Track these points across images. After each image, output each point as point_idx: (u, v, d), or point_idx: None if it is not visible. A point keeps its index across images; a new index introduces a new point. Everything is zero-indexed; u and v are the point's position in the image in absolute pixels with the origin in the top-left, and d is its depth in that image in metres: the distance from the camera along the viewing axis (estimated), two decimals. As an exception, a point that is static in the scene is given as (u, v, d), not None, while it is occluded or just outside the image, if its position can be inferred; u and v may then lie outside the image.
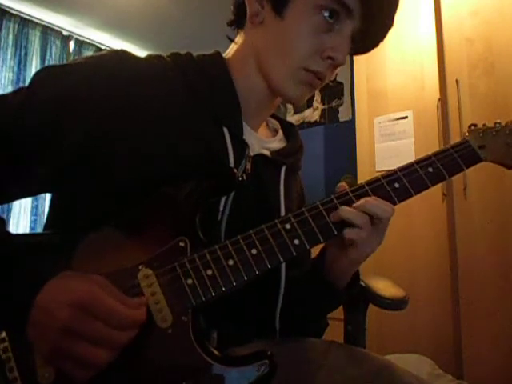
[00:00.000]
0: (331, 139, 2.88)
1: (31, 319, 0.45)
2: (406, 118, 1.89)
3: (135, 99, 0.59)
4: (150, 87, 0.61)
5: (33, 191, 0.63)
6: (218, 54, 0.70)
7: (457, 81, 1.74)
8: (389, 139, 1.94)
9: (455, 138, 1.72)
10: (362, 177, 2.02)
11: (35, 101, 0.56)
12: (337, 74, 2.73)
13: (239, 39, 0.71)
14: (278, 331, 0.70)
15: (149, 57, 0.65)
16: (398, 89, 1.90)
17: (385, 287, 0.82)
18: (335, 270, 0.66)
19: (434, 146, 1.76)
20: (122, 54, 0.62)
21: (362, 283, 0.84)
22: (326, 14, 0.62)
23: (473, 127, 0.69)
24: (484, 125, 0.69)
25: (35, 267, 0.48)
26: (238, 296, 0.54)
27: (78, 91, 0.57)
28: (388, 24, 0.67)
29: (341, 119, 2.87)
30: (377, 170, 1.95)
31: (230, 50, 0.72)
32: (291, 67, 0.64)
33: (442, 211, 1.73)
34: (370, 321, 0.90)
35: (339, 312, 0.88)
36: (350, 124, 2.43)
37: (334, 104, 2.86)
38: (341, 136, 2.77)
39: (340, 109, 2.87)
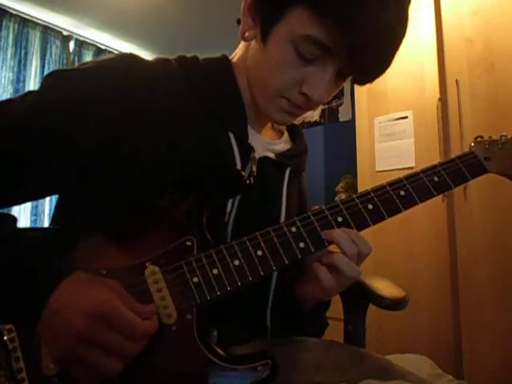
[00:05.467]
0: (331, 139, 2.88)
1: (44, 319, 0.45)
2: (406, 118, 1.89)
3: (142, 102, 0.59)
4: (156, 91, 0.61)
5: (42, 193, 0.63)
6: (224, 58, 0.70)
7: (457, 81, 1.73)
8: (389, 139, 1.94)
9: (455, 138, 1.72)
10: (362, 177, 2.02)
11: (44, 105, 0.56)
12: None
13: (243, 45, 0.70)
14: (270, 330, 0.71)
15: (156, 60, 0.65)
16: (398, 89, 1.90)
17: (385, 287, 0.82)
18: (303, 296, 0.67)
19: (434, 146, 1.76)
20: (130, 58, 0.62)
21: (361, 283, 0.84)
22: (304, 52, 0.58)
23: (479, 139, 0.70)
24: (490, 137, 0.70)
25: (47, 264, 0.49)
26: (233, 295, 0.55)
27: (88, 96, 0.57)
28: (384, 63, 0.61)
29: (341, 119, 2.87)
30: (377, 170, 1.95)
31: (237, 52, 0.71)
32: (269, 95, 0.63)
33: (442, 211, 1.73)
34: (370, 321, 0.90)
35: (339, 312, 0.88)
36: (350, 124, 2.43)
37: (333, 104, 2.86)
38: (341, 136, 2.77)
39: (340, 109, 2.87)
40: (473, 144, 0.69)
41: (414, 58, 1.87)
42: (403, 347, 1.64)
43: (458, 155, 0.67)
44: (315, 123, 2.96)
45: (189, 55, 0.68)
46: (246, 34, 0.64)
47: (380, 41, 0.56)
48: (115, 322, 0.45)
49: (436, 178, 0.63)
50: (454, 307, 1.67)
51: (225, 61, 0.69)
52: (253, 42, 0.64)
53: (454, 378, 1.11)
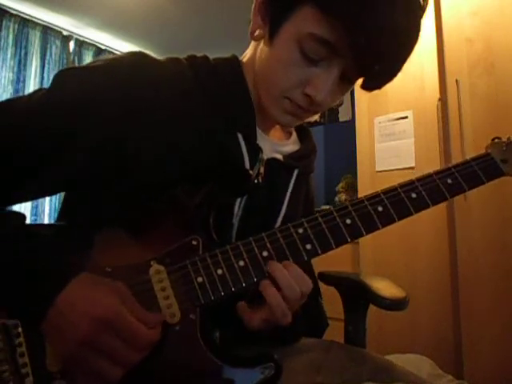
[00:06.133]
0: (331, 139, 2.88)
1: (49, 318, 0.46)
2: (406, 118, 1.89)
3: (146, 102, 0.59)
4: (162, 90, 0.60)
5: (43, 192, 0.63)
6: (234, 58, 0.70)
7: (457, 81, 1.74)
8: (389, 139, 1.94)
9: (455, 138, 1.72)
10: (362, 177, 2.02)
11: (50, 104, 0.56)
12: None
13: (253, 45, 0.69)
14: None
15: (166, 59, 0.65)
16: (398, 89, 1.90)
17: (385, 287, 0.82)
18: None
19: (434, 146, 1.76)
20: (138, 57, 0.62)
21: (361, 283, 0.84)
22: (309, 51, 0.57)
23: (496, 140, 0.67)
24: (508, 138, 0.67)
25: (53, 264, 0.49)
26: (238, 296, 0.55)
27: (89, 95, 0.57)
28: (391, 67, 0.60)
29: (341, 119, 2.87)
30: (377, 170, 1.95)
31: (247, 53, 0.71)
32: (274, 96, 0.62)
33: (442, 211, 1.73)
34: (370, 321, 0.90)
35: (339, 312, 0.88)
36: (350, 124, 2.43)
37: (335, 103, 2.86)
38: (341, 136, 2.77)
39: (340, 109, 2.87)
40: (489, 145, 0.67)
41: (414, 58, 1.85)
42: (403, 347, 1.64)
43: (474, 157, 0.64)
44: (315, 123, 2.95)
45: (199, 55, 0.68)
46: (255, 33, 0.63)
47: (387, 44, 0.54)
48: (119, 329, 0.45)
49: (450, 181, 0.61)
50: (454, 307, 1.67)
51: (234, 61, 0.69)
52: (261, 42, 0.64)
53: (454, 378, 1.11)
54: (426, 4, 0.59)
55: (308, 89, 0.59)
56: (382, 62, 0.57)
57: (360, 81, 0.62)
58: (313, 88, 0.59)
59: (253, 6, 0.63)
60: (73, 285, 0.47)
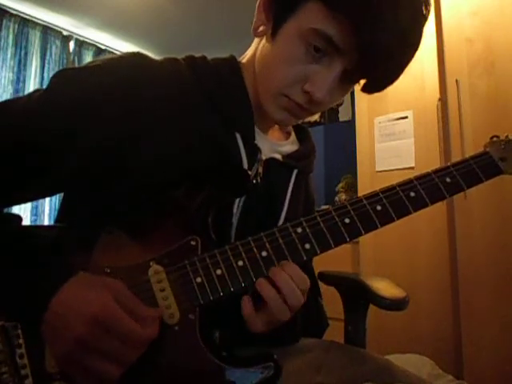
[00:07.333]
0: (331, 139, 2.88)
1: (46, 320, 0.46)
2: (406, 118, 1.89)
3: (149, 102, 0.59)
4: (164, 90, 0.61)
5: (43, 193, 0.63)
6: (232, 58, 0.70)
7: (457, 81, 1.74)
8: (389, 139, 1.94)
9: (455, 138, 1.72)
10: (362, 177, 2.02)
11: (50, 104, 0.56)
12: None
13: (255, 44, 0.69)
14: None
15: (164, 59, 0.65)
16: (398, 89, 1.89)
17: (385, 287, 0.82)
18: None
19: (434, 146, 1.76)
20: (137, 57, 0.62)
21: (362, 283, 0.84)
22: (311, 47, 0.57)
23: (495, 138, 0.67)
24: (506, 136, 0.67)
25: (51, 265, 0.49)
26: (237, 296, 0.55)
27: (88, 95, 0.57)
28: (393, 70, 0.60)
29: (341, 119, 2.87)
30: (377, 170, 1.95)
31: (247, 54, 0.71)
32: (272, 92, 0.62)
33: (442, 210, 1.73)
34: (370, 321, 0.90)
35: (339, 312, 0.88)
36: (350, 124, 2.43)
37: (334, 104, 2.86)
38: (341, 136, 2.77)
39: (340, 109, 2.87)
40: (488, 144, 0.67)
41: (414, 58, 1.86)
42: (403, 347, 1.64)
43: (472, 155, 0.64)
44: (315, 123, 2.96)
45: (197, 55, 0.68)
46: (259, 30, 0.63)
47: (391, 43, 0.54)
48: (114, 327, 0.45)
49: (448, 179, 0.61)
50: (454, 307, 1.67)
51: (233, 61, 0.69)
52: (263, 40, 0.64)
53: (454, 378, 1.11)
54: (428, 12, 0.59)
55: (307, 85, 0.59)
56: (384, 61, 0.57)
57: (360, 83, 0.62)
58: (312, 84, 0.59)
59: (257, 2, 0.63)
60: (69, 285, 0.47)
